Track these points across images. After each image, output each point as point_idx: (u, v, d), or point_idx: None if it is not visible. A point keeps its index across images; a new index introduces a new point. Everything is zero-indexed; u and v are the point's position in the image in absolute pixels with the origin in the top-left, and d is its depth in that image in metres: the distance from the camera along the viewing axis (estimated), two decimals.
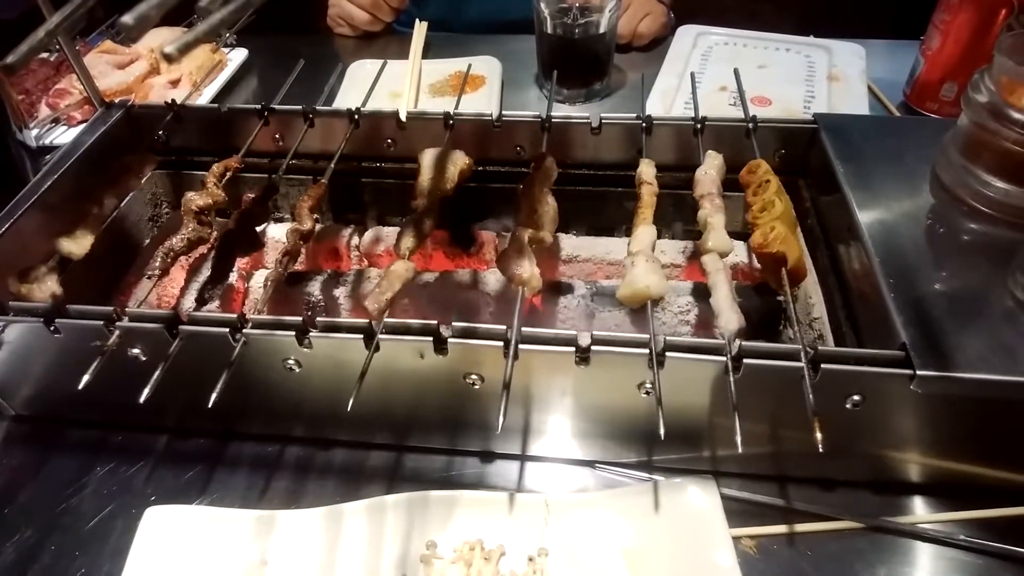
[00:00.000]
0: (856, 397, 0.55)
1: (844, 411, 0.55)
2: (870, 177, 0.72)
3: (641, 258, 0.61)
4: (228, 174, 0.74)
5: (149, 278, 0.72)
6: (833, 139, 0.75)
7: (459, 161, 0.71)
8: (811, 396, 0.50)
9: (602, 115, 0.76)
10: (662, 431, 0.50)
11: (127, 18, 0.38)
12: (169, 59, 0.37)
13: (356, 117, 0.77)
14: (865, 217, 0.67)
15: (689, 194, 0.72)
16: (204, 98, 1.22)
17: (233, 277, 0.76)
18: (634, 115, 0.76)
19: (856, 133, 0.77)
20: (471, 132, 0.77)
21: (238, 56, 1.34)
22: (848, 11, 1.57)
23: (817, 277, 0.74)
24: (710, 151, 0.73)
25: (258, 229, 0.78)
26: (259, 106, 0.79)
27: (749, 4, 1.69)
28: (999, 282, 0.60)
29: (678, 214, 0.72)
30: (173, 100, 0.85)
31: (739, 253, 0.77)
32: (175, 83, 1.24)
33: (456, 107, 0.78)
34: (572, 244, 0.80)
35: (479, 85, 1.10)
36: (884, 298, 0.59)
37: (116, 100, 0.87)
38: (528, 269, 0.59)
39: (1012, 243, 0.64)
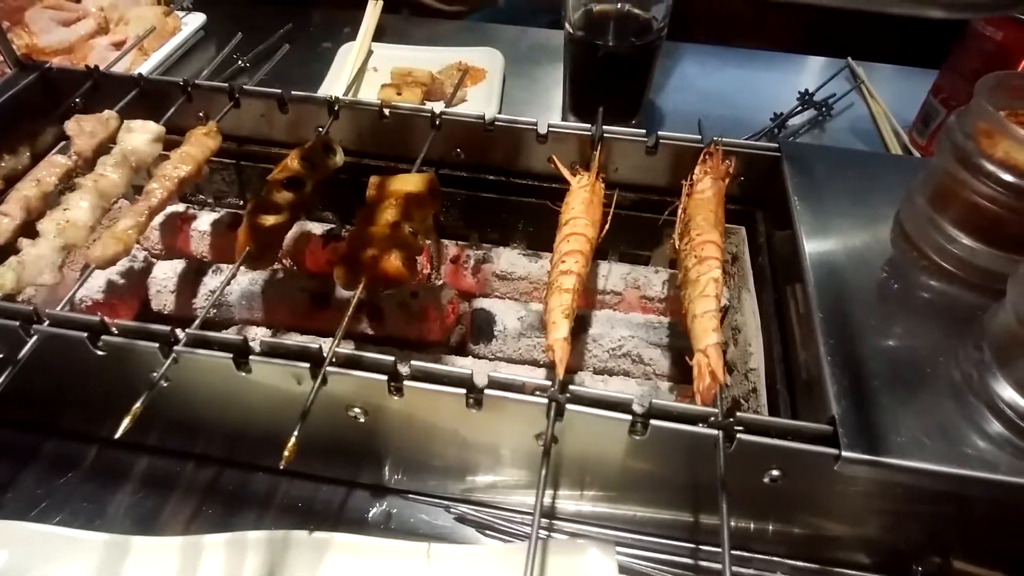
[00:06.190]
0: (775, 472, 0.41)
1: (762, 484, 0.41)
2: (827, 216, 0.53)
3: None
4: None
5: None
6: (794, 169, 0.57)
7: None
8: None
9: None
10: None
11: None
12: None
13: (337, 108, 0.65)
14: (814, 261, 0.50)
15: (641, 215, 0.63)
16: (149, 63, 0.91)
17: None
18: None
19: (820, 165, 0.58)
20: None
21: (194, 21, 1.02)
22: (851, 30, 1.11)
23: (760, 322, 0.57)
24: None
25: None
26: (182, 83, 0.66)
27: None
28: (950, 353, 0.44)
29: (626, 234, 0.58)
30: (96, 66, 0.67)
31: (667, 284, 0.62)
32: (119, 45, 0.91)
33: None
34: (510, 260, 0.65)
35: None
36: (821, 361, 0.43)
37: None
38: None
39: (971, 308, 0.46)
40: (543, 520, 0.50)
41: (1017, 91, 0.49)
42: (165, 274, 0.64)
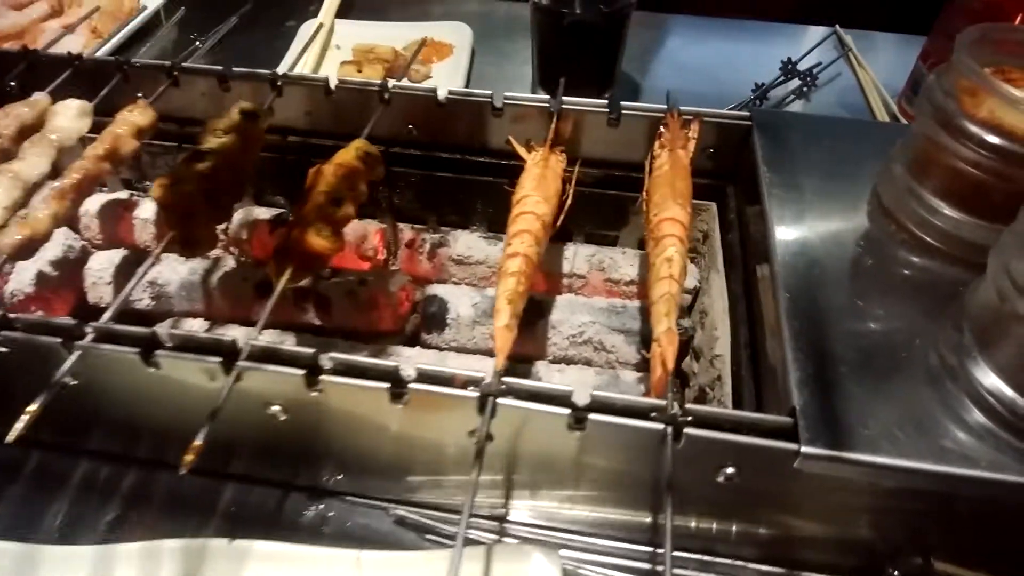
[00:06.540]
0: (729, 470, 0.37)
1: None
2: (799, 188, 0.49)
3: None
4: None
5: None
6: (766, 140, 0.53)
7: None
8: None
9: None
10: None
11: None
12: None
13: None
14: (782, 237, 0.46)
15: (607, 193, 0.59)
16: (105, 47, 0.83)
17: None
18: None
19: (795, 135, 0.53)
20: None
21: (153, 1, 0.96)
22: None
23: (728, 305, 0.52)
24: None
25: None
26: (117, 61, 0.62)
27: None
28: (928, 335, 0.40)
29: (592, 213, 0.55)
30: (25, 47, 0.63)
31: (633, 266, 0.59)
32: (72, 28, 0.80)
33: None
34: (467, 243, 0.61)
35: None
36: (784, 346, 0.39)
37: None
38: None
39: (953, 285, 0.42)
40: (493, 523, 0.47)
41: (1002, 45, 0.44)
42: (101, 265, 0.60)
